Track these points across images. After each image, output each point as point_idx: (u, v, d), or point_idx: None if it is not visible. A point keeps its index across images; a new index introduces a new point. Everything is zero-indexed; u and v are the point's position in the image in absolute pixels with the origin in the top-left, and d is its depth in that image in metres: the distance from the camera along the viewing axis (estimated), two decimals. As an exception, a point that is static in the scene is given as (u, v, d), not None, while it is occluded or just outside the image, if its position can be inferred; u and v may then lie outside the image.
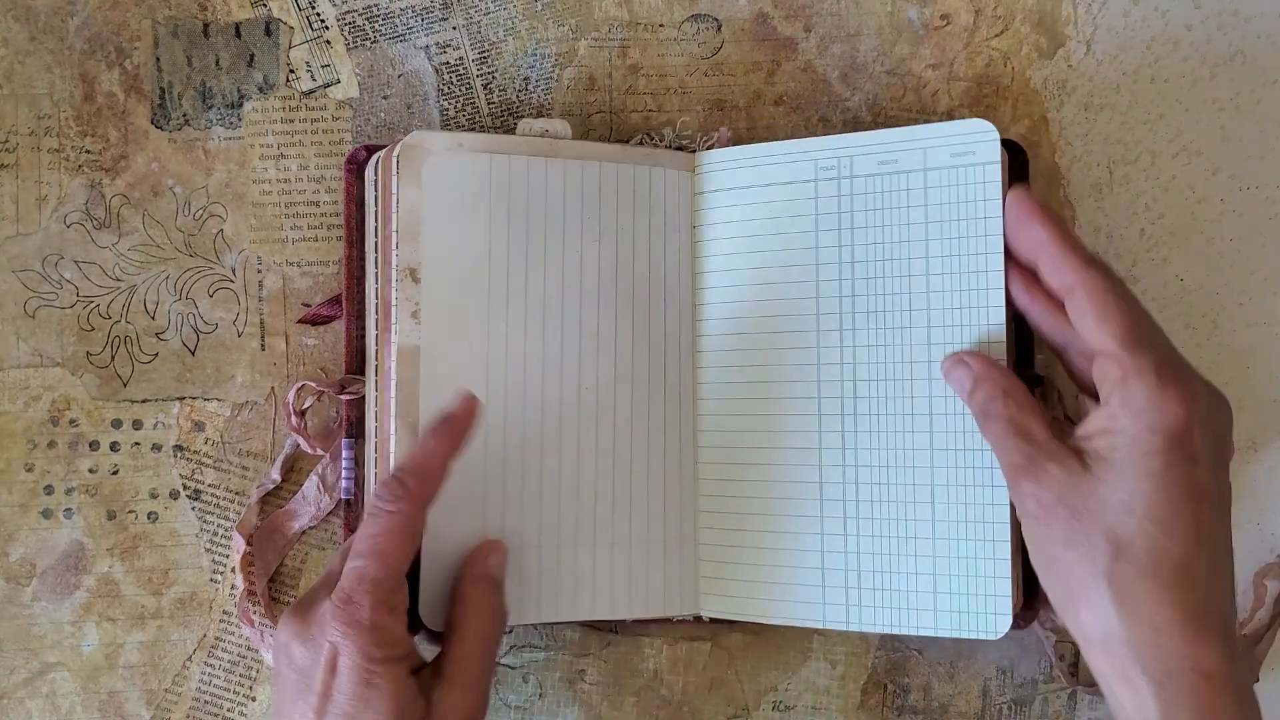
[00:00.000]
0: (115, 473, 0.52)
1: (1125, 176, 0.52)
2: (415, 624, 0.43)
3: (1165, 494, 0.37)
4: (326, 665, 0.39)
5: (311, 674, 0.40)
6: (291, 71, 0.52)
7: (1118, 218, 0.52)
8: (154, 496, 0.52)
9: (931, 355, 0.46)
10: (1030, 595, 0.50)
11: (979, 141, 0.45)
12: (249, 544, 0.51)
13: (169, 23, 0.52)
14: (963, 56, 0.52)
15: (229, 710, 0.52)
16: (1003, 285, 0.45)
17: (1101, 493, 0.37)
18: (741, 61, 0.52)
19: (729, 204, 0.49)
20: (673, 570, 0.49)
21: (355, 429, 0.50)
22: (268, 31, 0.52)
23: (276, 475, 0.51)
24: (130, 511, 0.52)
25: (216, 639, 0.52)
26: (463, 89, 0.53)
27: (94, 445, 0.52)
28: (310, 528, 0.52)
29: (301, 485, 0.51)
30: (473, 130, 0.52)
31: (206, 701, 0.52)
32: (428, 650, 0.44)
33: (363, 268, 0.50)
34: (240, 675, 0.52)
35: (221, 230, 0.52)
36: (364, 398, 0.50)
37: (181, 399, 0.52)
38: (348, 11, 0.52)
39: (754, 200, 0.49)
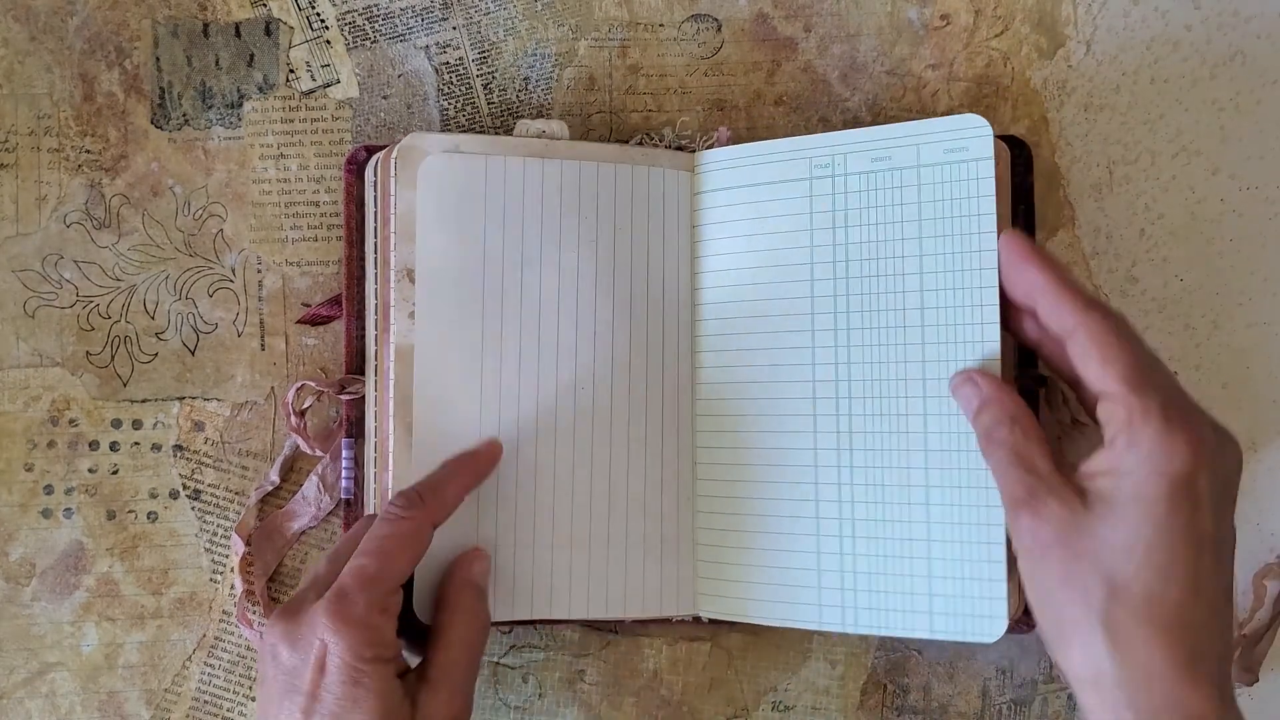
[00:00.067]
0: (115, 472, 0.52)
1: (1125, 176, 0.52)
2: (400, 630, 0.43)
3: (1166, 539, 0.36)
4: (315, 664, 0.39)
5: (299, 674, 0.40)
6: (291, 71, 0.52)
7: (1118, 218, 0.52)
8: (154, 496, 0.52)
9: (926, 355, 0.45)
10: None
11: (972, 137, 0.45)
12: (248, 545, 0.51)
13: (169, 23, 0.52)
14: (963, 57, 0.52)
15: (229, 710, 0.52)
16: (996, 284, 0.44)
17: (1101, 534, 0.37)
18: (741, 61, 0.52)
19: (727, 204, 0.49)
20: (670, 570, 0.49)
21: (355, 429, 0.50)
22: (268, 31, 0.52)
23: (275, 477, 0.51)
24: (130, 511, 0.52)
25: (216, 639, 0.52)
26: (463, 89, 0.53)
27: (94, 445, 0.52)
28: (310, 528, 0.52)
29: (301, 485, 0.51)
30: (472, 130, 0.52)
31: (206, 701, 0.52)
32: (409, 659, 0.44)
33: (362, 268, 0.50)
34: (240, 675, 0.52)
35: (221, 230, 0.52)
36: (364, 398, 0.50)
37: (181, 399, 0.52)
38: (348, 11, 0.52)
39: (751, 200, 0.49)
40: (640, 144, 0.51)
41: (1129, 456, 0.37)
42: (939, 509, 0.45)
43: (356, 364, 0.50)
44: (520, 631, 0.52)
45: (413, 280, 0.46)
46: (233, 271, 0.52)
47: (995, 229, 0.44)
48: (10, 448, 0.51)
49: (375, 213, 0.48)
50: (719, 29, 0.52)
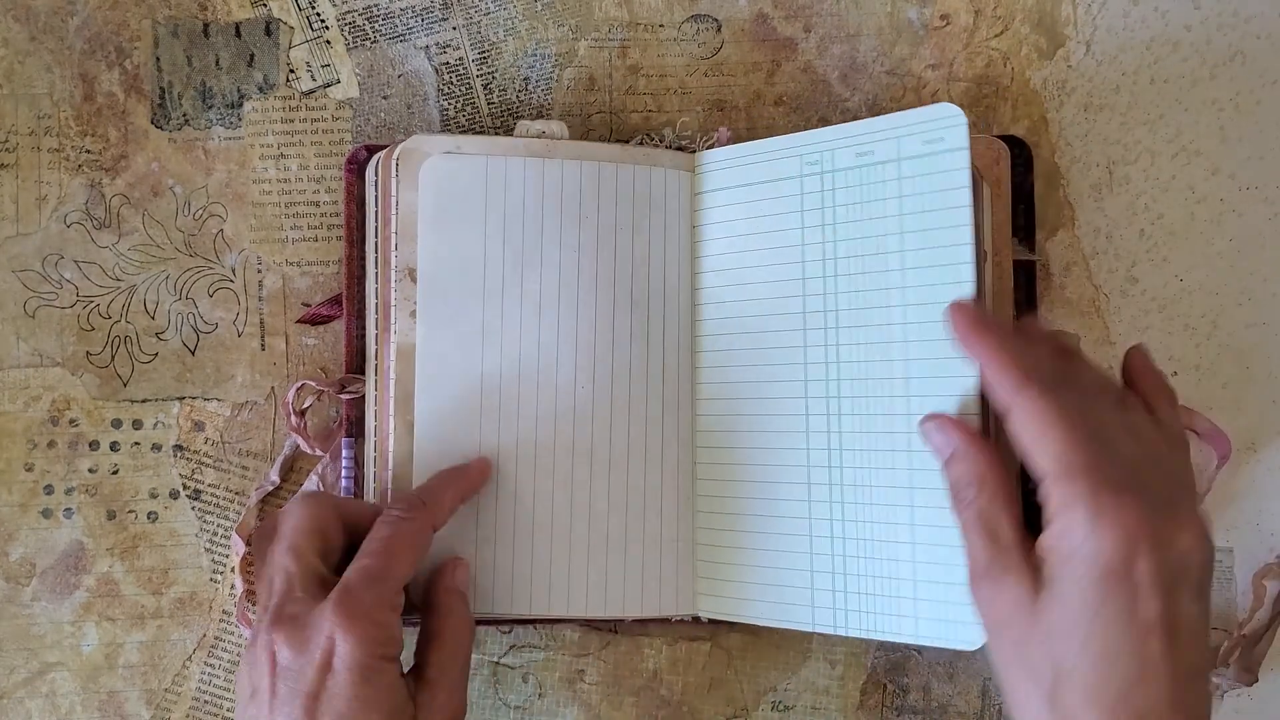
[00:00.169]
0: (115, 472, 0.52)
1: (1125, 176, 0.52)
2: None
3: (1105, 627, 0.35)
4: (321, 664, 0.39)
5: (301, 675, 0.39)
6: (291, 71, 0.52)
7: (1118, 218, 0.52)
8: (154, 496, 0.52)
9: (909, 354, 0.44)
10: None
11: (948, 128, 0.43)
12: (248, 545, 0.51)
13: (169, 23, 0.52)
14: (962, 57, 0.52)
15: (228, 710, 0.52)
16: (972, 279, 0.42)
17: (1048, 618, 0.36)
18: (741, 62, 0.52)
19: (724, 204, 0.49)
20: (670, 570, 0.49)
21: (355, 429, 0.50)
22: (268, 31, 0.52)
23: (275, 477, 0.51)
24: (130, 511, 0.52)
25: (216, 639, 0.52)
26: (463, 89, 0.53)
27: (94, 445, 0.52)
28: (310, 528, 0.52)
29: (301, 485, 0.51)
30: (472, 130, 0.52)
31: (206, 701, 0.52)
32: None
33: (363, 267, 0.50)
34: (240, 675, 0.52)
35: (221, 230, 0.52)
36: (364, 397, 0.50)
37: (181, 399, 0.52)
38: (348, 11, 0.52)
39: (747, 199, 0.49)
40: (640, 144, 0.51)
41: (1062, 544, 0.36)
42: (923, 512, 0.44)
43: (356, 364, 0.50)
44: (520, 631, 0.52)
45: (414, 280, 0.46)
46: (233, 271, 0.52)
47: (970, 222, 0.43)
48: (10, 448, 0.51)
49: (376, 212, 0.48)
50: (719, 29, 0.53)
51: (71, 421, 0.52)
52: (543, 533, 0.47)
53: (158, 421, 0.52)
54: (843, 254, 0.46)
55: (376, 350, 0.48)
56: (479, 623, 0.50)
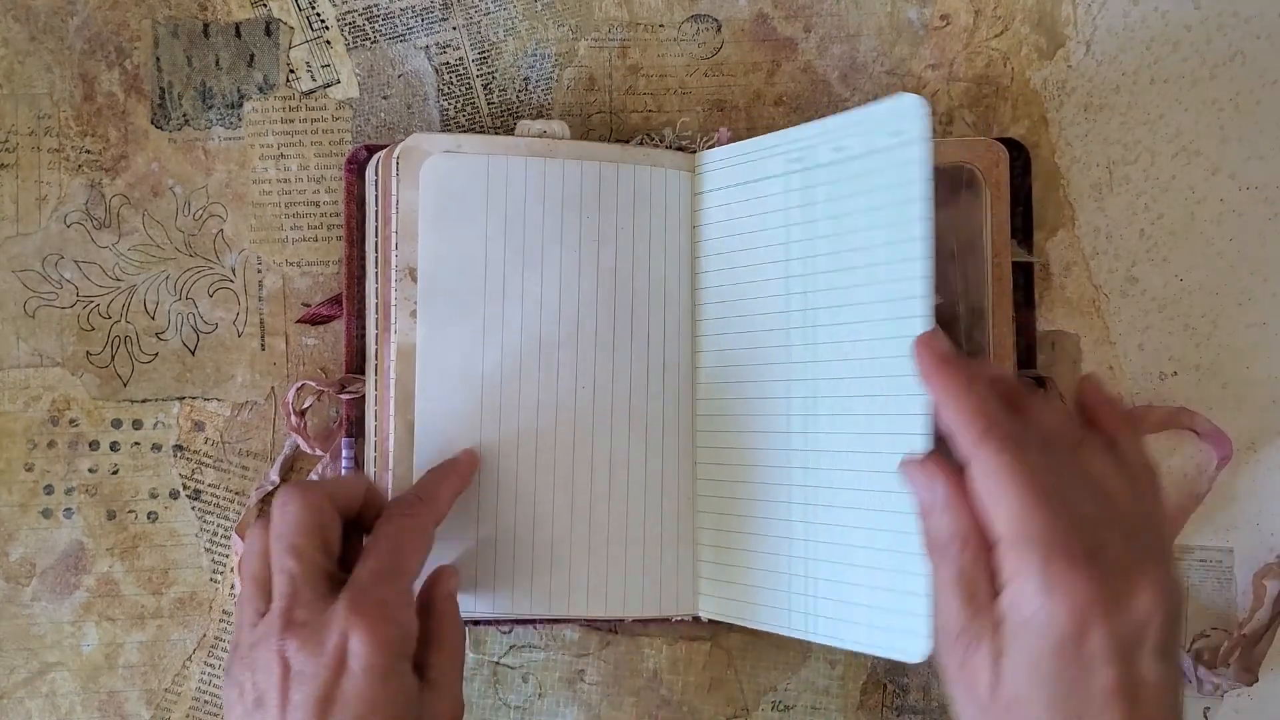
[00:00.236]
0: (115, 472, 0.52)
1: (1125, 176, 0.52)
2: None
3: (1062, 701, 0.34)
4: (333, 664, 0.37)
5: (312, 679, 0.37)
6: (291, 71, 0.52)
7: (1118, 218, 0.52)
8: (154, 496, 0.52)
9: (874, 352, 0.43)
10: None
11: (910, 118, 0.41)
12: (249, 544, 0.51)
13: (169, 23, 0.52)
14: (962, 57, 0.52)
15: (229, 710, 0.52)
16: (926, 275, 0.40)
17: (1008, 686, 0.35)
18: (741, 62, 0.52)
19: (720, 204, 0.49)
20: (670, 570, 0.49)
21: (355, 429, 0.50)
22: (268, 31, 0.52)
23: (275, 477, 0.51)
24: (130, 511, 0.52)
25: (216, 639, 0.52)
26: (463, 89, 0.53)
27: (94, 445, 0.52)
28: (310, 528, 0.52)
29: (301, 485, 0.52)
30: (473, 130, 0.52)
31: (206, 701, 0.52)
32: None
33: (363, 267, 0.50)
34: (240, 675, 0.52)
35: (221, 230, 0.52)
36: (364, 397, 0.50)
37: (181, 399, 0.52)
38: (348, 11, 0.52)
39: (740, 199, 0.48)
40: (640, 144, 0.51)
41: (1015, 613, 0.35)
42: (881, 515, 0.42)
43: (356, 363, 0.50)
44: (520, 631, 0.52)
45: (415, 279, 0.46)
46: (233, 271, 0.52)
47: (926, 216, 0.40)
48: (10, 448, 0.51)
49: (376, 212, 0.48)
50: (719, 29, 0.53)
51: (71, 421, 0.52)
52: (543, 533, 0.47)
53: (158, 421, 0.52)
54: (821, 251, 0.45)
55: (376, 350, 0.48)
56: (480, 623, 0.50)
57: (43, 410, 0.52)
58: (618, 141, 0.52)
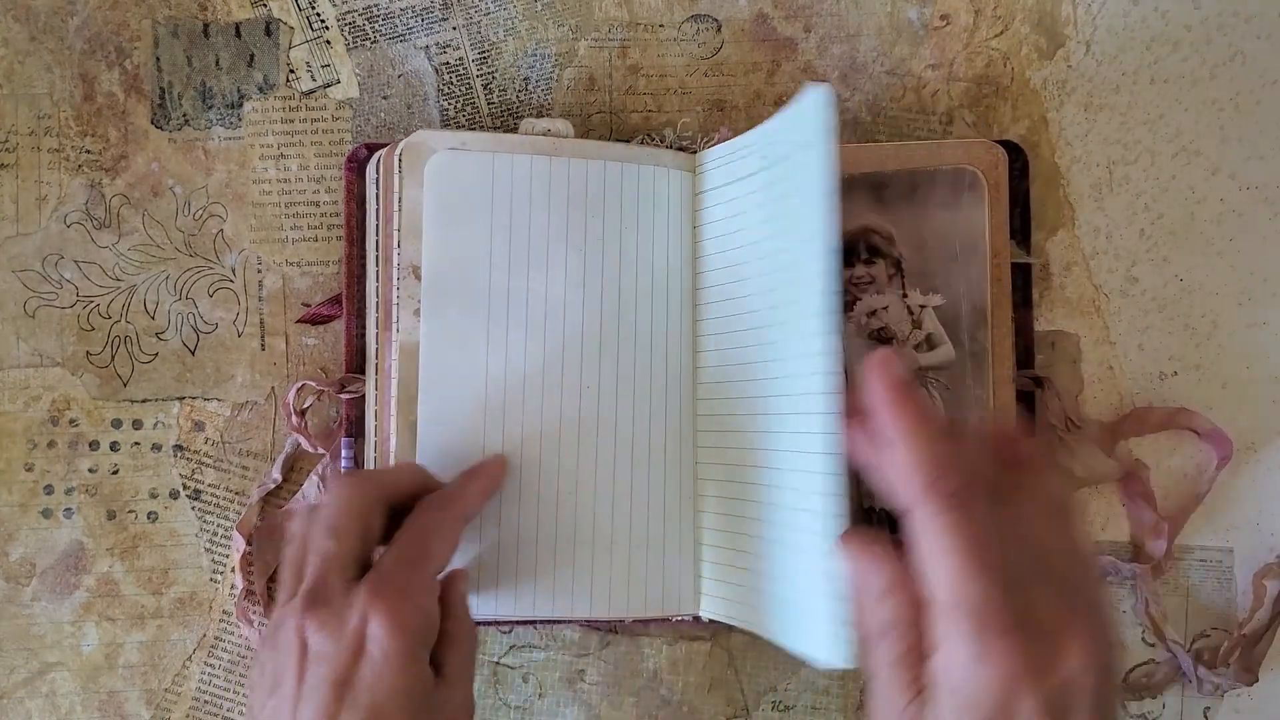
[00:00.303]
0: (115, 472, 0.52)
1: (1125, 176, 0.52)
2: None
3: None
4: (352, 648, 0.37)
5: (333, 660, 0.37)
6: (291, 71, 0.52)
7: (1118, 218, 0.52)
8: (154, 496, 0.52)
9: (785, 354, 0.42)
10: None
11: (817, 108, 0.40)
12: (249, 543, 0.51)
13: (169, 23, 0.52)
14: (962, 57, 0.52)
15: (229, 710, 0.52)
16: (827, 272, 0.39)
17: None
18: (741, 62, 0.53)
19: (714, 203, 0.49)
20: (671, 570, 0.49)
21: (355, 428, 0.50)
22: (268, 31, 0.52)
23: (277, 475, 0.51)
24: (130, 511, 0.52)
25: (216, 639, 0.52)
26: (463, 89, 0.53)
27: (94, 445, 0.52)
28: (310, 528, 0.52)
29: (302, 485, 0.51)
30: (473, 130, 0.52)
31: (206, 701, 0.52)
32: None
33: (363, 266, 0.50)
34: (240, 675, 0.52)
35: (221, 230, 0.52)
36: (364, 397, 0.50)
37: (181, 399, 0.52)
38: (348, 11, 0.52)
39: (730, 198, 0.48)
40: (641, 144, 0.51)
41: (945, 679, 0.34)
42: (807, 516, 0.42)
43: (356, 363, 0.50)
44: (520, 631, 0.52)
45: (419, 277, 0.46)
46: (233, 271, 0.52)
47: (827, 208, 0.39)
48: (10, 448, 0.51)
49: (377, 210, 0.48)
50: (719, 29, 0.53)
51: (71, 421, 0.52)
52: (545, 533, 0.47)
53: (158, 421, 0.52)
54: (780, 249, 0.44)
55: (377, 350, 0.48)
56: (480, 624, 0.50)
57: (43, 410, 0.52)
58: (618, 141, 0.52)
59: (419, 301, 0.46)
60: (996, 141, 0.50)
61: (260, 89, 0.52)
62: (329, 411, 0.52)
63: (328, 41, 0.52)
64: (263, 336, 0.52)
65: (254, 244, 0.52)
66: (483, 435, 0.46)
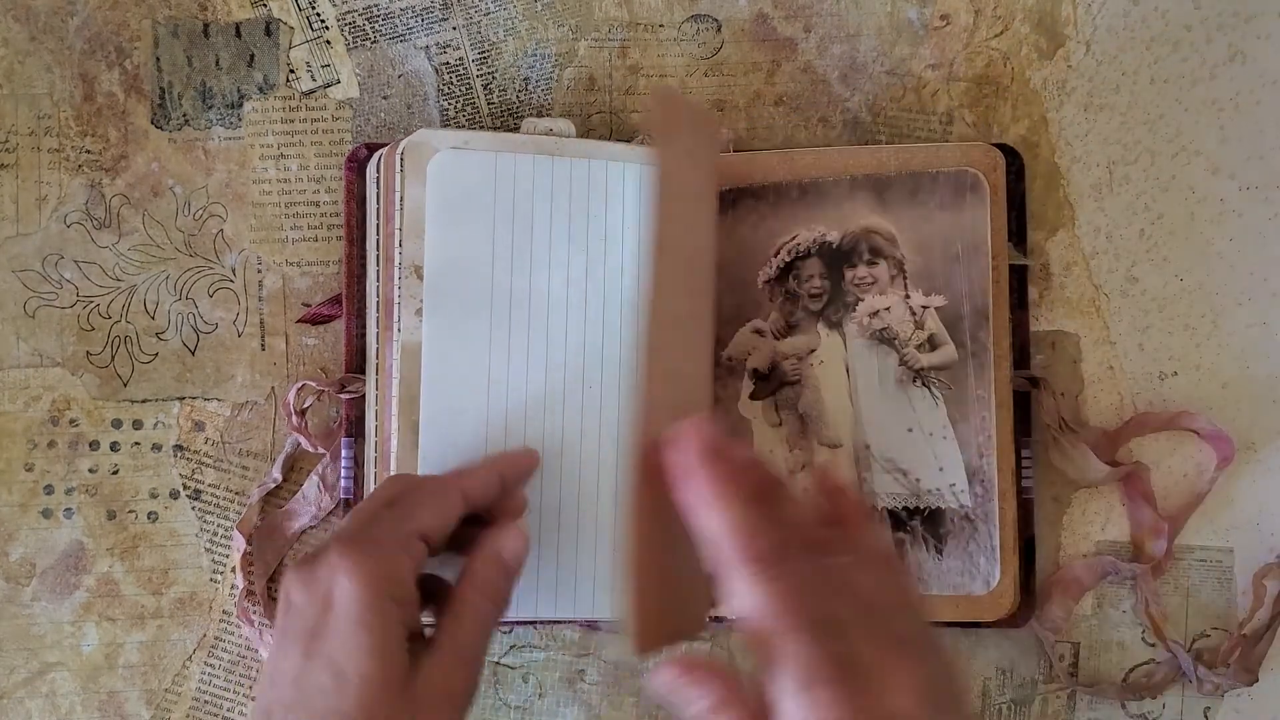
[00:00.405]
0: (115, 473, 0.52)
1: (1125, 176, 0.52)
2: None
3: None
4: (322, 601, 0.37)
5: (305, 614, 0.37)
6: (291, 71, 0.52)
7: (1118, 218, 0.52)
8: (154, 496, 0.52)
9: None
10: (1027, 594, 0.50)
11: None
12: (249, 543, 0.51)
13: (169, 23, 0.52)
14: (962, 57, 0.52)
15: (229, 710, 0.52)
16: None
17: None
18: (741, 62, 0.53)
19: None
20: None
21: (355, 428, 0.50)
22: (268, 31, 0.52)
23: (278, 474, 0.51)
24: (130, 511, 0.52)
25: (216, 639, 0.52)
26: (463, 89, 0.53)
27: (94, 445, 0.52)
28: (310, 527, 0.52)
29: (302, 485, 0.51)
30: (473, 130, 0.52)
31: (206, 701, 0.52)
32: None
33: (363, 266, 0.50)
34: (240, 675, 0.52)
35: (221, 230, 0.52)
36: (364, 397, 0.50)
37: (181, 399, 0.52)
38: (348, 11, 0.52)
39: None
40: (642, 144, 0.51)
41: None
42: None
43: (356, 363, 0.50)
44: (520, 631, 0.52)
45: (421, 277, 0.46)
46: (233, 271, 0.52)
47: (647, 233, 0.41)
48: (10, 448, 0.51)
49: (377, 210, 0.48)
50: (719, 29, 0.53)
51: (71, 421, 0.52)
52: (548, 533, 0.47)
53: (158, 421, 0.52)
54: None
55: (377, 350, 0.48)
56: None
57: (43, 410, 0.51)
58: (619, 141, 0.52)
59: (421, 301, 0.46)
60: (993, 145, 0.50)
61: (260, 89, 0.52)
62: (329, 411, 0.52)
63: (328, 41, 0.52)
64: (263, 336, 0.52)
65: (254, 244, 0.52)
66: (484, 434, 0.46)
